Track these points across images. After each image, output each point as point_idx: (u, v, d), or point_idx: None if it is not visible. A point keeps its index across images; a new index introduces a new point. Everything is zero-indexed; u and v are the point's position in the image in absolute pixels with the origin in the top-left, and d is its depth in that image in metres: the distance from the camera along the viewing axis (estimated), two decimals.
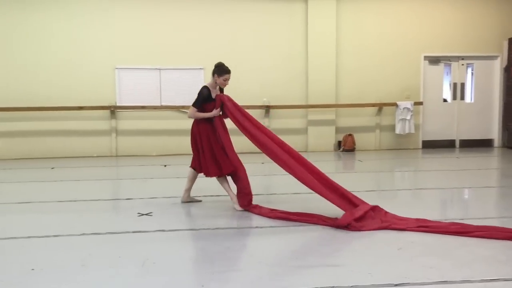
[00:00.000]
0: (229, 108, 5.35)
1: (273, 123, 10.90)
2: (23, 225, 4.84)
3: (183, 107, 10.61)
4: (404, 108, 10.94)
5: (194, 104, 5.35)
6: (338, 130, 11.12)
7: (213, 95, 5.40)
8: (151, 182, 6.97)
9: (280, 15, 10.86)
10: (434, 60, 11.37)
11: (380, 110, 11.16)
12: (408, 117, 10.94)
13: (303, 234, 4.47)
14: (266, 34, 10.85)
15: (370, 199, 5.93)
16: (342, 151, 10.89)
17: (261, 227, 4.62)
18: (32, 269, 3.51)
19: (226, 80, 5.38)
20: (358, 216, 4.48)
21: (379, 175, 8.23)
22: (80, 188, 6.80)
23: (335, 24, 10.86)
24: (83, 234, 4.44)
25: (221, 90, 5.56)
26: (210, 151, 5.32)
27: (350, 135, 10.93)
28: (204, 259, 3.77)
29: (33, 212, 5.48)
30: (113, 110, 10.30)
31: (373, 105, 11.05)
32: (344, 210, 4.62)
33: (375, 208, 4.75)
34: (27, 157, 10.14)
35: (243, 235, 4.44)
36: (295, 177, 4.94)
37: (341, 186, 4.88)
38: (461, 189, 6.75)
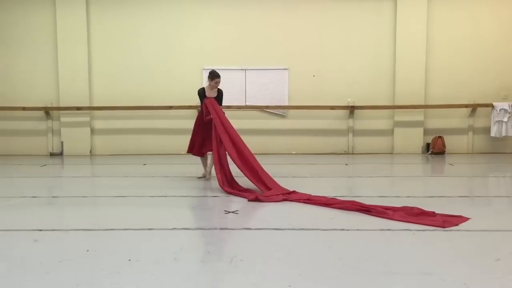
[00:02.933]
0: (209, 110, 6.92)
1: (357, 124, 10.70)
2: (120, 218, 5.16)
3: (267, 107, 10.74)
4: (501, 109, 10.25)
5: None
6: (426, 132, 10.67)
7: (207, 94, 7.11)
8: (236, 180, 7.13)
9: (367, 13, 10.61)
10: None
11: (473, 111, 10.56)
12: (505, 119, 10.23)
13: (391, 238, 4.35)
14: (352, 32, 10.66)
15: (462, 205, 5.65)
16: (431, 154, 10.44)
17: (347, 230, 4.56)
18: (129, 260, 3.72)
19: (217, 82, 7.09)
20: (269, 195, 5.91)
21: (472, 180, 7.79)
22: (170, 184, 7.11)
23: (425, 21, 10.43)
24: (174, 228, 4.64)
25: (219, 90, 7.20)
26: (193, 135, 7.33)
27: (439, 137, 10.45)
28: (290, 259, 3.79)
29: (128, 205, 5.82)
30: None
31: (466, 106, 10.47)
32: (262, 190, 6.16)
33: (291, 192, 6.04)
34: (121, 153, 10.79)
35: (329, 237, 4.40)
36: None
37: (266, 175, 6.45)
38: None
